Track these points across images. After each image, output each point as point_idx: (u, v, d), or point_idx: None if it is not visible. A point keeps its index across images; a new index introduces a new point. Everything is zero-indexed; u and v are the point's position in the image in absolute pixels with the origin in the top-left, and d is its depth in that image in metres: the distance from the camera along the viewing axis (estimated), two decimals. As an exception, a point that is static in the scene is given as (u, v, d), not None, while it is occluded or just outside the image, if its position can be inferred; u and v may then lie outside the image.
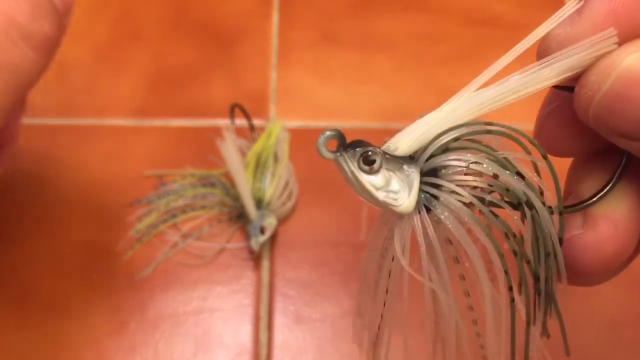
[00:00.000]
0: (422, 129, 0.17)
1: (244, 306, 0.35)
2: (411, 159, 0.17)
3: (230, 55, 0.46)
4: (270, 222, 0.36)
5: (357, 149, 0.17)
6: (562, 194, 0.18)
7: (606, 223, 0.17)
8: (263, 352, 0.33)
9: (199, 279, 0.36)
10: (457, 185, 0.17)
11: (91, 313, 0.34)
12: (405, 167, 0.17)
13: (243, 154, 0.39)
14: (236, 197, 0.38)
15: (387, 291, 0.18)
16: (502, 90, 0.17)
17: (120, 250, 0.37)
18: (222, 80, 0.45)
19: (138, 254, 0.37)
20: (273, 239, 0.37)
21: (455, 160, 0.17)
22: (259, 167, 0.38)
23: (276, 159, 0.39)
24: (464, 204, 0.17)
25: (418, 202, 0.17)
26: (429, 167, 0.17)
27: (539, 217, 0.17)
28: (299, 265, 0.36)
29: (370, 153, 0.17)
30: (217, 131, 0.41)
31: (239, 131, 0.41)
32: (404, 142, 0.17)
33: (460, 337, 0.18)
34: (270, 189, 0.38)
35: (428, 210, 0.17)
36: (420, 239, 0.17)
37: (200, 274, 0.36)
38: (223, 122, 0.42)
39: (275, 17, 0.48)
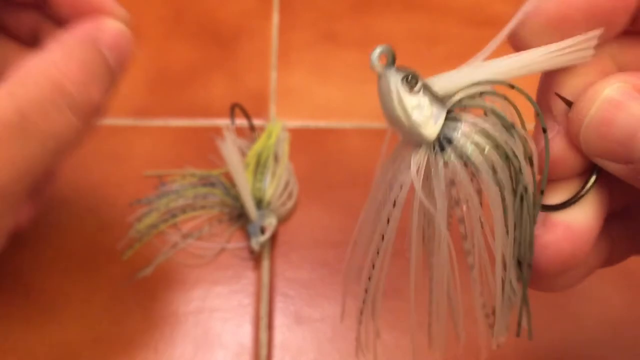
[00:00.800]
0: (456, 77, 0.19)
1: (244, 306, 0.35)
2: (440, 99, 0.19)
3: (231, 55, 0.46)
4: (271, 222, 0.36)
5: (404, 69, 0.19)
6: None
7: (563, 227, 0.19)
8: (263, 352, 0.33)
9: (199, 279, 0.36)
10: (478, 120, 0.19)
11: (91, 313, 0.34)
12: (436, 100, 0.19)
13: (243, 154, 0.40)
14: (236, 197, 0.38)
15: (388, 221, 0.20)
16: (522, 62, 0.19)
17: (120, 250, 0.37)
18: (222, 80, 0.45)
19: (138, 254, 0.37)
20: (273, 238, 0.37)
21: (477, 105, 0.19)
22: (259, 167, 0.38)
23: (276, 158, 0.39)
24: (483, 134, 0.19)
25: (440, 134, 0.19)
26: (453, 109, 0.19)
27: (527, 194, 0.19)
28: (299, 265, 0.36)
29: (413, 75, 0.19)
30: (217, 131, 0.41)
31: (239, 131, 0.41)
32: (437, 84, 0.19)
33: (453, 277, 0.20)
34: (271, 188, 0.38)
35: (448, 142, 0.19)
36: (440, 163, 0.19)
37: (200, 274, 0.36)
38: (223, 122, 0.42)
39: (275, 17, 0.48)
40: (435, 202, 0.19)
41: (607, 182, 0.20)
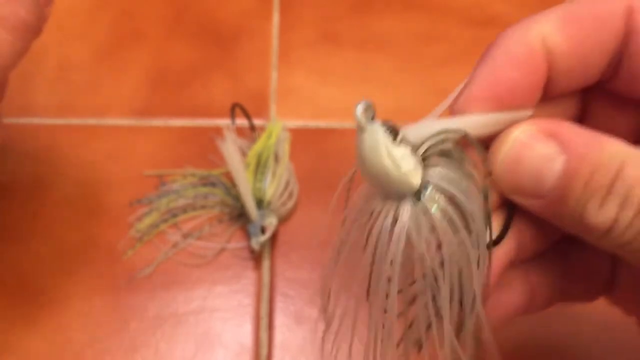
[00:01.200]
0: (423, 128, 0.20)
1: (244, 306, 0.35)
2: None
3: (231, 55, 0.46)
4: (271, 221, 0.36)
5: (385, 122, 0.19)
6: None
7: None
8: (263, 351, 0.34)
9: (200, 279, 0.36)
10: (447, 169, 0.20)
11: (92, 312, 0.34)
12: (411, 149, 0.19)
13: (243, 153, 0.40)
14: (237, 197, 0.38)
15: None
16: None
17: (120, 250, 0.37)
18: (223, 80, 0.45)
19: (138, 254, 0.37)
20: (273, 238, 0.37)
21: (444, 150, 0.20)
22: (260, 167, 0.38)
23: (277, 158, 0.39)
24: (455, 179, 0.20)
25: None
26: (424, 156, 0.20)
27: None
28: (299, 265, 0.36)
29: (394, 127, 0.19)
30: (217, 131, 0.41)
31: (239, 131, 0.41)
32: (410, 133, 0.20)
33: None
34: (271, 188, 0.38)
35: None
36: (434, 207, 0.19)
37: (200, 274, 0.36)
38: (223, 122, 0.42)
39: (275, 17, 0.48)
40: (423, 249, 0.19)
41: (519, 226, 0.22)
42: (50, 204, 0.38)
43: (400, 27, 0.48)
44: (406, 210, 0.19)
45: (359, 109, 0.18)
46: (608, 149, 0.19)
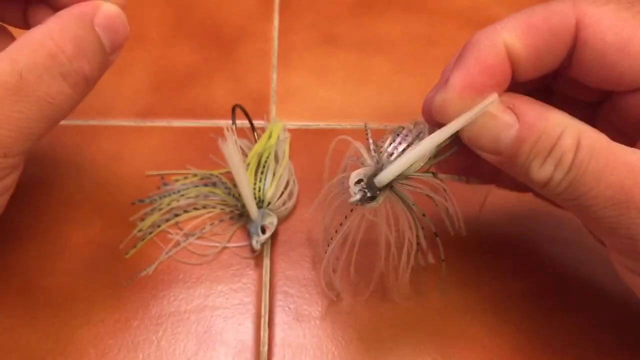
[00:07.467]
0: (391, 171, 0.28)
1: (245, 304, 0.35)
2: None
3: (232, 57, 0.46)
4: (271, 221, 0.37)
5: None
6: None
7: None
8: (264, 349, 0.34)
9: (201, 278, 0.36)
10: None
11: (94, 311, 0.35)
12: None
13: (244, 154, 0.40)
14: (237, 197, 0.38)
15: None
16: (421, 152, 0.27)
17: (122, 249, 0.37)
18: (224, 81, 0.45)
19: (140, 253, 0.37)
20: (274, 238, 0.38)
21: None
22: (260, 167, 0.39)
23: (277, 159, 0.40)
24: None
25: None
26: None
27: None
28: (299, 264, 0.37)
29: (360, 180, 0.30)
30: (218, 131, 0.41)
31: (240, 131, 0.41)
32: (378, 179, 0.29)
33: None
34: (271, 188, 0.38)
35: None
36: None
37: (201, 273, 0.36)
38: (224, 122, 0.42)
39: (275, 18, 0.49)
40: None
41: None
42: (53, 204, 0.39)
43: (399, 29, 0.48)
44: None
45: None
46: (552, 120, 0.25)
